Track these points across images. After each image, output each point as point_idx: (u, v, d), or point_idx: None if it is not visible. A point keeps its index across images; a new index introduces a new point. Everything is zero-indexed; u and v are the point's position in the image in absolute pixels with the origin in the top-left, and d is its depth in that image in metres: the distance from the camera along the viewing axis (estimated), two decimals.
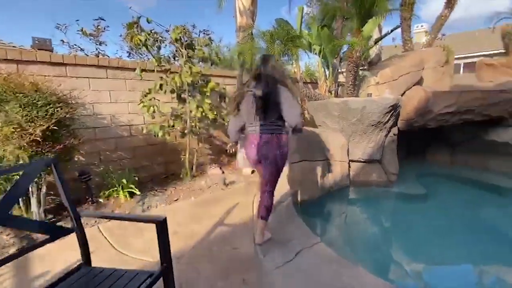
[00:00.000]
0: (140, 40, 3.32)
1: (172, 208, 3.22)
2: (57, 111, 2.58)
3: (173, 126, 3.71)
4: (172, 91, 3.72)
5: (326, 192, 3.97)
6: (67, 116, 2.64)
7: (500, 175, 4.82)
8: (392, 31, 6.12)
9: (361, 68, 5.99)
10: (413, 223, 3.45)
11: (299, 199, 3.65)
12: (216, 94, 4.03)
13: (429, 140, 5.79)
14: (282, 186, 3.68)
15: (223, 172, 4.56)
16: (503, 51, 11.89)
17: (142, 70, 3.63)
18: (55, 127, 2.54)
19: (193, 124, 3.74)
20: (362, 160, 4.40)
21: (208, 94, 3.61)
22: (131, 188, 3.43)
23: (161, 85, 3.62)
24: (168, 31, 3.65)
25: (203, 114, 3.56)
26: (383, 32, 7.62)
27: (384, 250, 2.93)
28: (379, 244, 3.00)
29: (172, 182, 4.19)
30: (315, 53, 6.26)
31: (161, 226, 1.26)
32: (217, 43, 7.73)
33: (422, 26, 21.14)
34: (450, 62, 5.15)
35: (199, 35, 4.45)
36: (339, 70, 7.21)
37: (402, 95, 4.36)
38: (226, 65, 7.73)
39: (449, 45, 5.01)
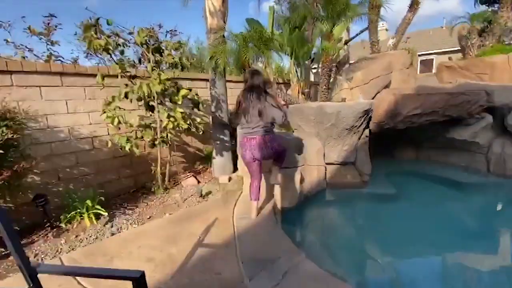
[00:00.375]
0: (100, 45, 2.97)
1: (145, 229, 2.97)
2: (1, 131, 2.21)
3: (141, 137, 3.43)
4: (139, 99, 3.42)
5: (305, 197, 3.97)
6: (15, 136, 2.28)
7: (459, 169, 5.21)
8: (361, 32, 6.28)
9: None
10: (389, 224, 3.58)
11: (279, 207, 3.60)
12: (189, 101, 3.80)
13: (396, 139, 6.08)
14: (263, 195, 3.60)
15: (198, 182, 4.36)
16: (456, 48, 12.94)
17: (104, 77, 3.28)
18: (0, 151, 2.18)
19: (164, 134, 3.48)
20: (337, 163, 4.47)
21: (179, 102, 3.37)
22: (97, 209, 3.11)
23: (126, 93, 3.31)
24: (132, 33, 3.33)
25: (175, 124, 3.33)
26: (351, 31, 7.83)
27: (368, 257, 2.99)
28: (362, 251, 3.05)
29: (143, 196, 3.90)
30: (287, 54, 6.23)
31: (138, 283, 1.08)
32: (186, 42, 7.33)
33: (382, 24, 22.32)
34: (413, 64, 5.41)
35: (166, 36, 4.16)
36: (311, 69, 7.27)
37: (373, 98, 4.47)
38: (196, 66, 7.38)
39: (413, 48, 5.25)
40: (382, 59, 4.74)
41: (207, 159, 5.10)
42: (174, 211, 3.42)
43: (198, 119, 3.76)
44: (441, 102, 4.36)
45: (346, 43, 6.74)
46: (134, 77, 3.48)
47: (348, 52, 8.29)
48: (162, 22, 3.62)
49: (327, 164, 4.49)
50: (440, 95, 4.35)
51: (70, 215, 3.02)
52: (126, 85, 3.41)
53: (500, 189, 4.52)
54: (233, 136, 4.62)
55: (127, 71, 3.35)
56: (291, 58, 6.04)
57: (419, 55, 18.88)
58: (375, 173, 4.89)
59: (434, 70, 17.94)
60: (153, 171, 4.00)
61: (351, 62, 7.20)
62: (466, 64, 5.50)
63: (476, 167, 5.14)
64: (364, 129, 4.42)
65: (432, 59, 18.39)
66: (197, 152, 5.17)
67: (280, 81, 7.25)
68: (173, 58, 3.28)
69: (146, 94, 3.07)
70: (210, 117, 4.64)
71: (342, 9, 3.80)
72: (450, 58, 6.10)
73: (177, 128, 3.41)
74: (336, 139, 4.29)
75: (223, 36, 4.21)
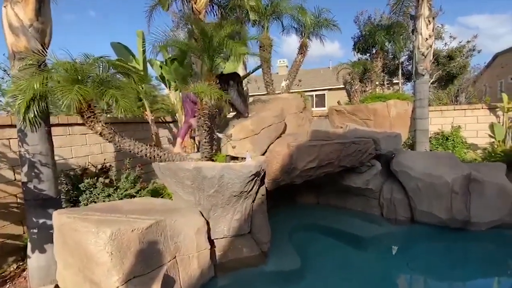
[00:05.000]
0: None
1: None
2: None
3: None
4: None
5: None
6: None
7: (357, 216, 5.05)
8: (254, 71, 5.78)
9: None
10: None
11: None
12: None
13: (297, 185, 5.66)
14: None
15: None
16: (343, 86, 14.78)
17: None
18: None
19: None
20: (229, 236, 3.42)
21: None
22: None
23: None
24: None
25: None
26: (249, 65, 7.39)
27: None
28: None
29: None
30: (170, 88, 5.10)
31: None
32: None
33: (283, 61, 24.32)
34: (307, 108, 5.12)
35: None
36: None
37: (265, 151, 3.72)
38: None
39: (306, 97, 5.00)
40: (274, 104, 4.15)
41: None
42: None
43: None
44: (336, 152, 4.00)
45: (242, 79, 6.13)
46: None
47: (247, 88, 7.82)
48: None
49: (216, 239, 3.38)
50: (333, 145, 3.98)
51: None
52: None
53: (394, 240, 4.41)
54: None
55: None
56: (173, 91, 4.93)
57: (313, 91, 21.37)
58: (278, 231, 4.16)
59: (326, 104, 20.40)
60: None
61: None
62: (353, 109, 5.70)
63: (371, 212, 5.07)
64: (258, 189, 3.56)
65: (324, 94, 20.94)
66: (8, 241, 3.19)
67: (169, 119, 5.96)
68: None
69: None
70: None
71: (218, 46, 2.94)
72: (339, 102, 6.36)
73: None
74: (223, 208, 3.25)
75: (40, 66, 2.69)
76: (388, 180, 4.93)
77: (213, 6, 6.59)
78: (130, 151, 3.15)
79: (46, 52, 2.81)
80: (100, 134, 3.02)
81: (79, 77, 2.75)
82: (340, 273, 3.64)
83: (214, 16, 6.51)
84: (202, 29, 3.05)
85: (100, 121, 2.99)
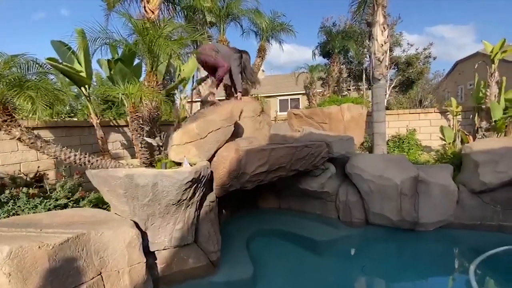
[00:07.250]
0: None
1: None
2: None
3: None
4: None
5: None
6: None
7: (315, 219, 5.03)
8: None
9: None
10: None
11: None
12: None
13: (259, 188, 5.57)
14: None
15: None
16: (319, 90, 15.14)
17: None
18: None
19: None
20: (170, 247, 3.23)
21: None
22: None
23: None
24: None
25: None
26: None
27: None
28: None
29: None
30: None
31: None
32: None
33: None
34: (266, 111, 5.06)
35: None
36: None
37: (213, 156, 3.59)
38: None
39: (262, 97, 4.93)
40: (223, 107, 4.03)
41: None
42: None
43: None
44: (287, 156, 3.95)
45: (200, 82, 5.98)
46: None
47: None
48: None
49: (156, 251, 3.18)
50: (284, 149, 3.93)
51: None
52: None
53: (349, 244, 4.42)
54: None
55: None
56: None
57: (289, 95, 21.68)
58: (237, 238, 4.13)
59: (301, 107, 20.76)
60: None
61: None
62: (310, 113, 5.76)
63: (329, 215, 5.09)
64: (203, 198, 3.41)
65: (299, 98, 21.26)
66: None
67: (122, 123, 5.65)
68: None
69: None
70: None
71: (151, 45, 2.78)
72: (296, 107, 6.40)
73: None
74: (163, 217, 3.07)
75: None
76: (344, 183, 4.97)
77: (175, 7, 6.43)
78: (57, 158, 2.88)
79: None
80: (19, 140, 2.74)
81: None
82: (294, 280, 3.55)
83: (179, 18, 6.37)
84: (136, 27, 2.88)
85: (19, 125, 2.71)
